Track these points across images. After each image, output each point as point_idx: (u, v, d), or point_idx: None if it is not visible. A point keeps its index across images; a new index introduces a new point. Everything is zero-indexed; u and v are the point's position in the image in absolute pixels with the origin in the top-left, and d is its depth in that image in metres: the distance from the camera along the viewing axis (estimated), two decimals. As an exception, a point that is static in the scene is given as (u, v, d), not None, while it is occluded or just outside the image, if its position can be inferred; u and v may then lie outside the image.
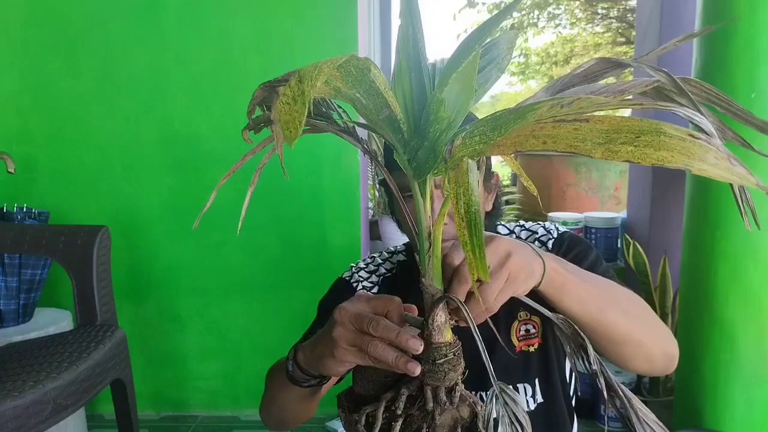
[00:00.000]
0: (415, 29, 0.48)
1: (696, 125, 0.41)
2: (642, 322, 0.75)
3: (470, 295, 0.58)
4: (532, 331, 0.93)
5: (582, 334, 0.61)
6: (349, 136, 0.60)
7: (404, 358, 0.55)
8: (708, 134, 0.37)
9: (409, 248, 1.04)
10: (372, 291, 0.99)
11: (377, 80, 0.44)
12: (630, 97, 0.47)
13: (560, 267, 0.66)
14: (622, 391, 0.55)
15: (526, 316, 0.93)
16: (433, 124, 0.46)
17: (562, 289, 0.66)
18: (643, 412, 0.54)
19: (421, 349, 0.55)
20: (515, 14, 9.22)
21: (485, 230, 0.95)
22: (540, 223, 1.01)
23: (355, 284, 1.00)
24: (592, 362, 0.59)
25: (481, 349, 0.53)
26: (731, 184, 0.42)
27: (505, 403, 0.53)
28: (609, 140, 0.37)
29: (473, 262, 0.44)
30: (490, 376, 0.53)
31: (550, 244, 0.95)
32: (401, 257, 1.05)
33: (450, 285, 0.58)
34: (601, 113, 0.40)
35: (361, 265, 1.04)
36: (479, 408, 0.56)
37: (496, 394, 0.53)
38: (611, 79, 0.51)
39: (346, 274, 1.03)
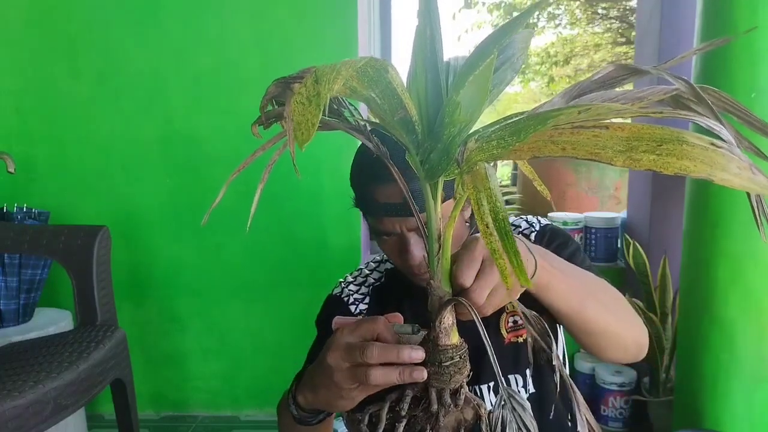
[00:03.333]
0: (433, 30, 0.48)
1: (716, 135, 0.41)
2: (618, 315, 0.77)
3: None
4: (520, 321, 0.93)
5: (549, 332, 0.63)
6: (360, 134, 0.60)
7: (408, 370, 0.55)
8: (729, 143, 0.37)
9: None
10: (363, 302, 1.00)
11: (394, 81, 0.44)
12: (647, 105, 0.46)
13: (547, 264, 0.67)
14: (573, 388, 0.59)
15: (513, 307, 0.93)
16: (448, 127, 0.46)
17: (548, 287, 0.67)
18: (584, 409, 0.58)
19: (423, 356, 0.55)
20: (514, 13, 9.21)
21: (472, 233, 0.96)
22: (523, 216, 1.02)
23: (346, 298, 1.00)
24: (553, 358, 0.62)
25: (490, 352, 0.53)
26: (748, 194, 0.42)
27: (513, 408, 0.53)
28: (630, 148, 0.36)
29: (515, 270, 0.41)
30: (500, 382, 0.53)
31: (532, 237, 0.97)
32: (389, 265, 1.04)
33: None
34: (619, 120, 0.39)
35: (349, 278, 1.04)
36: (483, 411, 0.56)
37: (504, 400, 0.53)
38: (630, 86, 0.51)
39: (336, 291, 1.03)
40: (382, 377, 0.56)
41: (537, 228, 0.98)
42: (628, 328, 0.78)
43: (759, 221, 0.43)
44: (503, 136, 0.44)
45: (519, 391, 0.92)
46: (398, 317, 0.62)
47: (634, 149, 0.36)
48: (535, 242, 0.95)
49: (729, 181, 0.34)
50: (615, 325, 0.75)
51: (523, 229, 0.99)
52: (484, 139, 0.46)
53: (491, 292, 0.58)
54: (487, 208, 0.43)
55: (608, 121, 0.39)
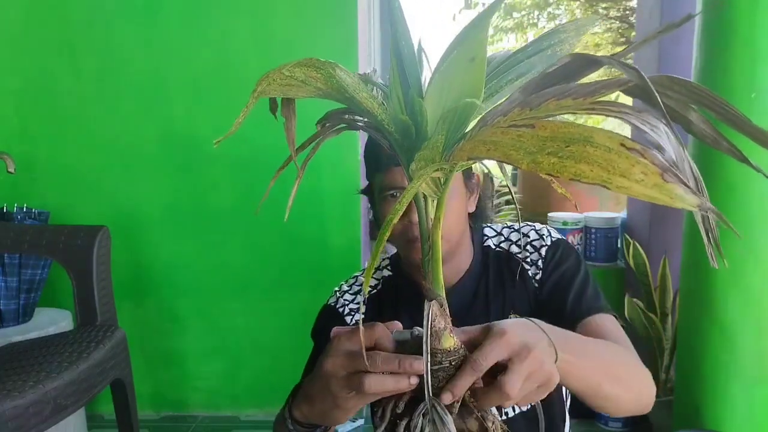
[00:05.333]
0: (405, 36, 0.48)
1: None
2: (630, 384, 0.77)
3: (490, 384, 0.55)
4: None
5: None
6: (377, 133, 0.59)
7: (404, 379, 0.54)
8: (653, 147, 0.31)
9: (394, 262, 1.03)
10: (360, 312, 0.98)
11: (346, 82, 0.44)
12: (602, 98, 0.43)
13: (568, 355, 0.63)
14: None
15: (515, 318, 0.92)
16: (424, 126, 0.46)
17: (567, 375, 0.65)
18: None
19: (422, 367, 0.53)
20: (515, 15, 9.22)
21: (470, 230, 0.96)
22: (530, 224, 0.99)
23: (341, 309, 0.99)
24: None
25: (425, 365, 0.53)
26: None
27: (433, 421, 0.51)
28: (539, 150, 0.33)
29: None
30: (426, 391, 0.52)
31: (543, 251, 0.95)
32: (386, 273, 1.03)
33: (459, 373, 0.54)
34: (552, 119, 0.35)
35: (345, 287, 1.03)
36: (489, 423, 0.54)
37: (427, 409, 0.52)
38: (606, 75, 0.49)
39: (331, 300, 1.01)
40: (377, 384, 0.54)
41: (548, 242, 0.95)
42: (638, 393, 0.78)
43: (708, 243, 0.35)
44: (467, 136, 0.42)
45: (512, 407, 0.90)
46: (397, 325, 0.60)
47: (542, 151, 0.33)
48: (546, 256, 0.94)
49: (628, 188, 0.29)
50: (626, 396, 0.76)
51: (532, 240, 0.96)
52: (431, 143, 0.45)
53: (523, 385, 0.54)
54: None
55: (537, 119, 0.35)
